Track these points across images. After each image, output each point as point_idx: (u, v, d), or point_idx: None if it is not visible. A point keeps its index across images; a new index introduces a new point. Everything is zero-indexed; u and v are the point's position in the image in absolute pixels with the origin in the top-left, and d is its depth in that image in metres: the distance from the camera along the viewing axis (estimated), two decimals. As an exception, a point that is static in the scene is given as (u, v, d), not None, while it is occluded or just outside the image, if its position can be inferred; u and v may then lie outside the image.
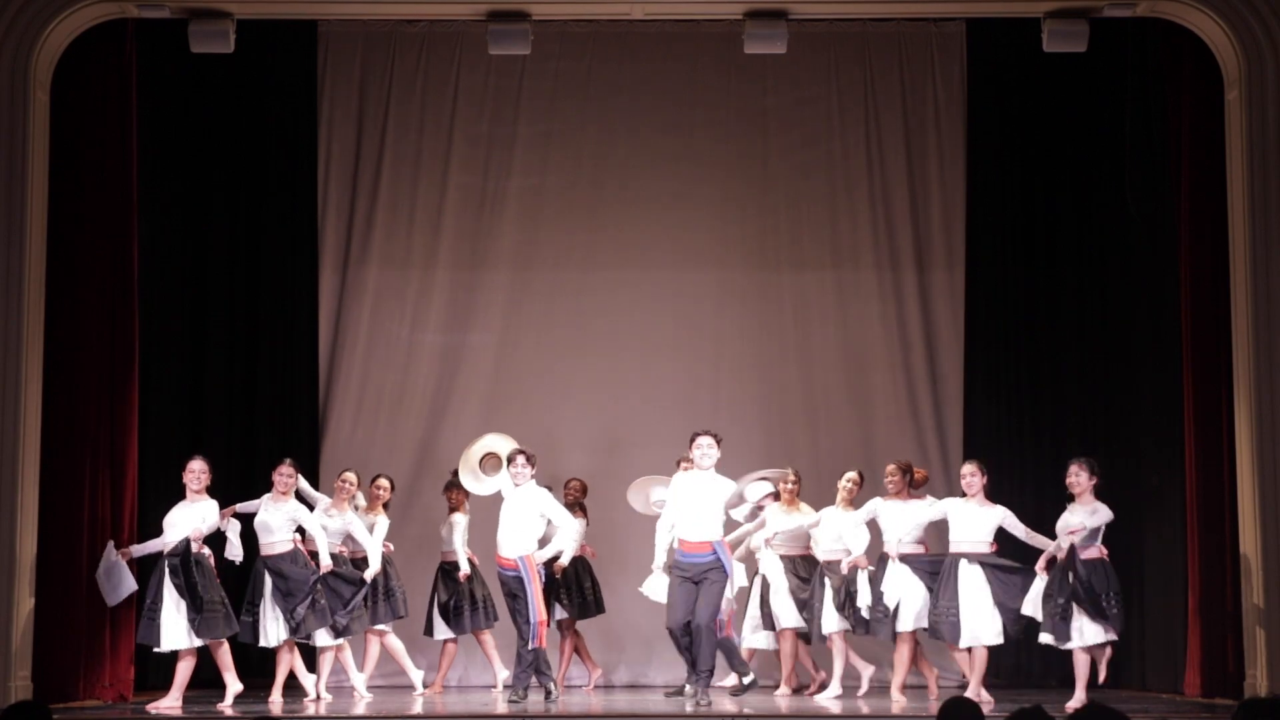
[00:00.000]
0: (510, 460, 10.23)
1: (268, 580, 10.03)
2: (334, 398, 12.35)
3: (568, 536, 10.44)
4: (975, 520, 10.05)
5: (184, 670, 9.87)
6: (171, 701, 9.82)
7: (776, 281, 12.50)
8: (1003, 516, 10.07)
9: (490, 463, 10.74)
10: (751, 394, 12.39)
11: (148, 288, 11.03)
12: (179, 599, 9.71)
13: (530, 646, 9.97)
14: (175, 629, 9.74)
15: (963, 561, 9.99)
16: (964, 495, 10.14)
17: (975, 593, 9.95)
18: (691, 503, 9.76)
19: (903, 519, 10.35)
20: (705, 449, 9.73)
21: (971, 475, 10.12)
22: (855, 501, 10.67)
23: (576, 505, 11.21)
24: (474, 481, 10.78)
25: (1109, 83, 11.61)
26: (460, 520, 11.01)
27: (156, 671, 10.82)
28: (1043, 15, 10.38)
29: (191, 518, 9.85)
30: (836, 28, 12.16)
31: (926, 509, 10.34)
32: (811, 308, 12.48)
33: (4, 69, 9.82)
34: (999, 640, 10.00)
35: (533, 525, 10.15)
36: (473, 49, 11.92)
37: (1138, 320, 11.42)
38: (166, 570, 9.75)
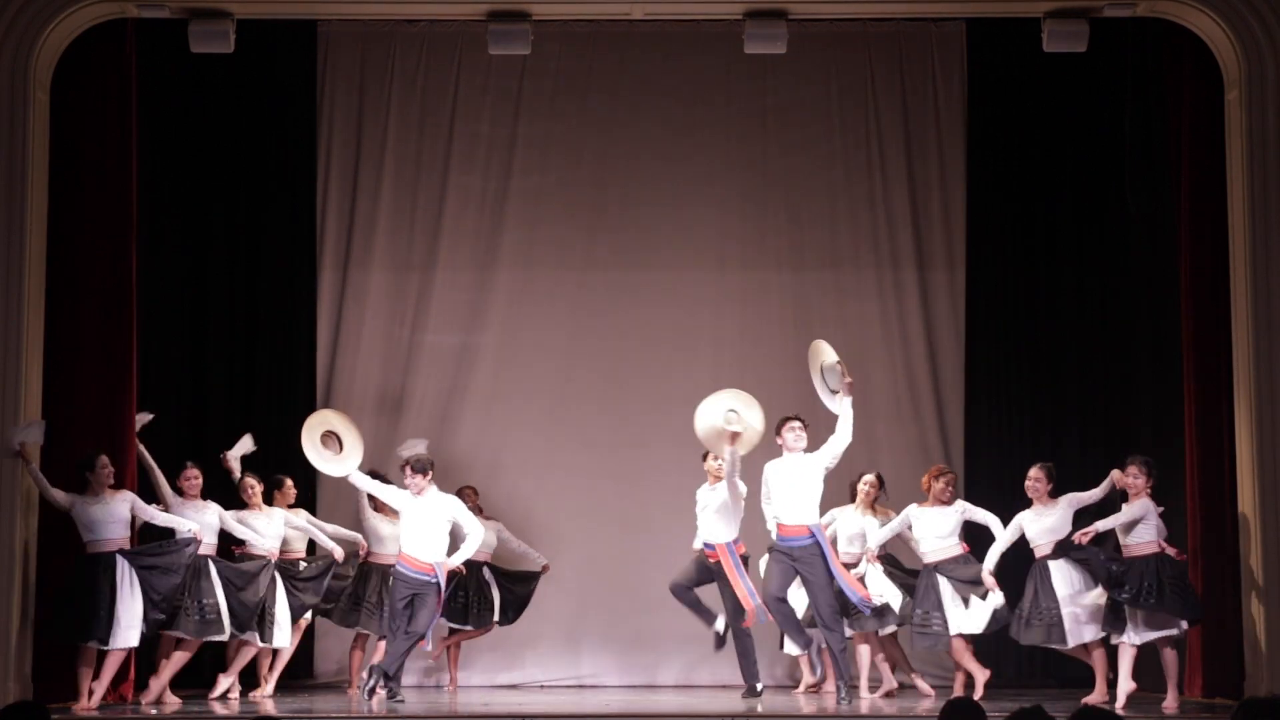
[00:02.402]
0: (406, 470, 10.14)
1: (215, 574, 10.04)
2: (334, 399, 12.33)
3: (474, 543, 10.23)
4: (1045, 521, 10.01)
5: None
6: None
7: (777, 281, 12.50)
8: (1070, 501, 10.01)
9: (330, 440, 10.36)
10: (752, 394, 12.32)
11: (148, 288, 11.02)
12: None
13: (431, 648, 10.21)
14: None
15: (1049, 562, 9.91)
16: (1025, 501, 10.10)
17: (1071, 588, 9.89)
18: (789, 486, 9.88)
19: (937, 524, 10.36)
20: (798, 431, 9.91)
21: (1036, 480, 10.03)
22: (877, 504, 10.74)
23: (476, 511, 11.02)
24: (318, 458, 10.32)
25: (1109, 83, 11.62)
26: None
27: (155, 672, 10.82)
28: (1043, 15, 10.38)
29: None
30: (836, 28, 12.15)
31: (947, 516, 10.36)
32: (811, 308, 12.47)
33: (4, 69, 9.82)
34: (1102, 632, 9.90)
35: (445, 531, 10.09)
36: (473, 49, 11.90)
37: (1138, 320, 11.42)
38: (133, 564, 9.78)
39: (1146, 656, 9.78)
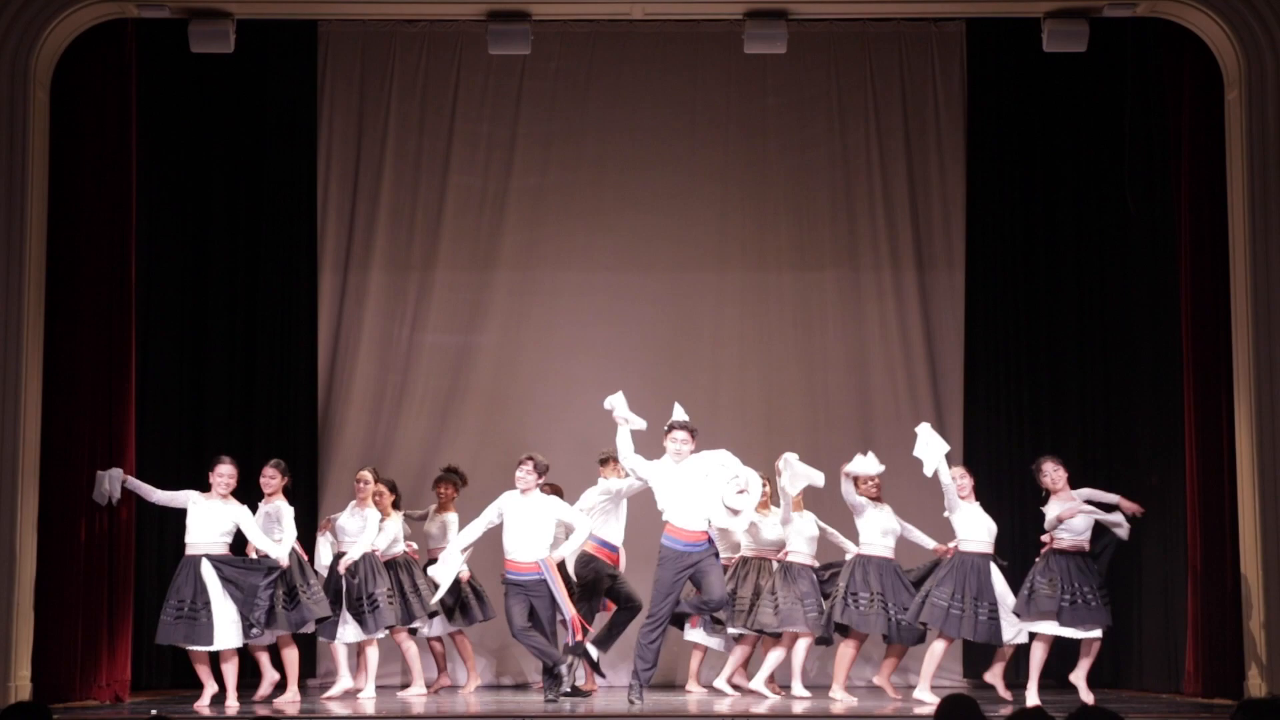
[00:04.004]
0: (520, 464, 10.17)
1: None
2: (334, 398, 12.35)
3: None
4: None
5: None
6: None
7: (776, 282, 12.49)
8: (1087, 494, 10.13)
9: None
10: (752, 395, 12.38)
11: (148, 288, 11.04)
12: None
13: (571, 642, 9.87)
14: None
15: (1056, 555, 9.96)
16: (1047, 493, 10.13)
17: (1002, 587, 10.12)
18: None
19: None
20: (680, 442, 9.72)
21: (1056, 471, 10.06)
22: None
23: None
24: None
25: (1109, 83, 11.62)
26: (454, 519, 10.99)
27: (155, 672, 10.83)
28: (1043, 15, 10.39)
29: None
30: (836, 28, 12.16)
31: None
32: (811, 308, 12.48)
33: (4, 69, 9.83)
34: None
35: (550, 530, 10.03)
36: (473, 49, 11.92)
37: (1138, 320, 11.42)
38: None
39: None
